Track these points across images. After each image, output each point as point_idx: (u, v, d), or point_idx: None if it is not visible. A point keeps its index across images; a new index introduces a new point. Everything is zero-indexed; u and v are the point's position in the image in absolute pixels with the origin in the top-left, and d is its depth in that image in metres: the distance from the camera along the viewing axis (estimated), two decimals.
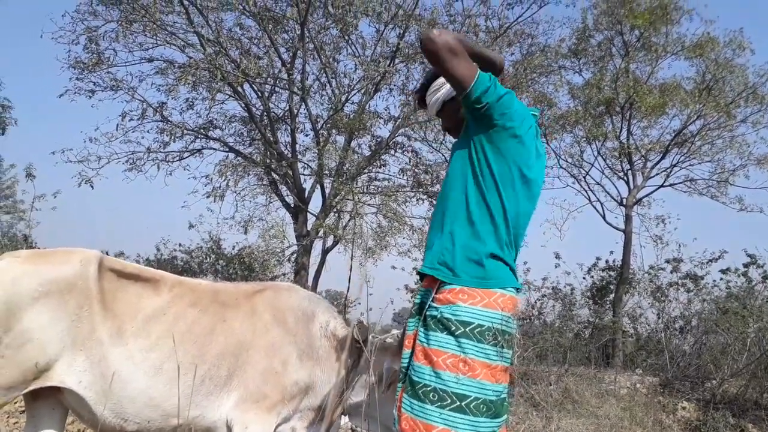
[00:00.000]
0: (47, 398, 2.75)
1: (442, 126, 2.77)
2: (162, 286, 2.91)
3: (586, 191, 16.17)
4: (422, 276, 2.51)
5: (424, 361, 2.24)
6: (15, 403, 5.43)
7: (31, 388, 2.58)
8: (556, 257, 15.38)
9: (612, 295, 15.37)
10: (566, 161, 16.17)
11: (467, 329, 2.20)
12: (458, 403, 2.13)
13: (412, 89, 12.22)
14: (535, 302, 14.49)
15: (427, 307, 2.34)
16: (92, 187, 12.03)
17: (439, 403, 2.15)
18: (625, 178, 15.74)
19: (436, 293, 2.33)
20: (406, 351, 2.39)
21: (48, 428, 2.78)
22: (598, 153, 15.83)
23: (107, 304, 2.71)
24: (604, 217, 15.87)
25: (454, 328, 2.20)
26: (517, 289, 2.48)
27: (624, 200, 15.53)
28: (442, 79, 2.52)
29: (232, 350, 2.82)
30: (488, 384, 2.19)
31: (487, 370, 2.19)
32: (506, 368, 2.32)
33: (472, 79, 2.23)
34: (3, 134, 17.78)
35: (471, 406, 2.14)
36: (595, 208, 16.09)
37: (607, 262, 16.09)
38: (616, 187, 16.15)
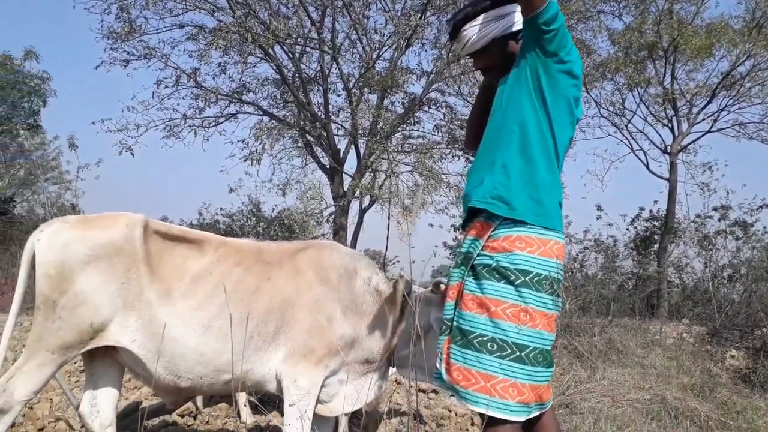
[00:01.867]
0: (104, 357, 2.87)
1: (479, 65, 2.61)
2: (207, 247, 2.96)
3: (628, 140, 15.75)
4: (466, 225, 2.44)
5: (478, 311, 2.19)
6: (74, 363, 5.70)
7: (88, 347, 2.69)
8: (597, 209, 15.10)
9: (656, 246, 15.06)
10: (607, 110, 15.71)
11: (527, 278, 2.14)
12: (518, 353, 2.11)
13: (445, 42, 11.91)
14: (577, 255, 14.32)
15: (476, 255, 2.26)
16: (133, 155, 12.29)
17: (498, 353, 2.12)
18: (670, 125, 15.22)
19: (487, 241, 2.25)
20: (449, 302, 2.34)
21: (106, 386, 2.91)
22: (641, 100, 15.31)
23: (154, 266, 2.77)
24: (647, 166, 15.45)
25: (513, 277, 2.15)
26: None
27: (668, 148, 15.04)
28: (486, 16, 2.43)
29: (278, 307, 2.87)
30: (545, 333, 2.17)
31: (545, 320, 2.16)
32: (556, 317, 2.28)
33: (546, 1, 2.14)
34: (44, 106, 18.21)
35: (530, 356, 2.12)
36: (637, 157, 15.68)
37: (651, 212, 15.73)
38: (659, 134, 15.66)
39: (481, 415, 2.11)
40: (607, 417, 4.20)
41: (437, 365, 2.32)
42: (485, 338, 2.14)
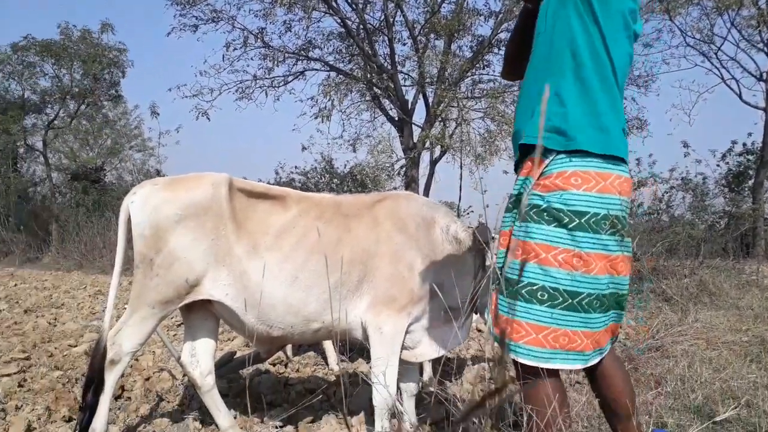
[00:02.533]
0: (200, 311, 3.06)
1: None
2: (289, 202, 3.06)
3: (718, 69, 14.58)
4: (518, 167, 2.24)
5: (526, 258, 2.00)
6: (172, 318, 6.08)
7: (185, 301, 2.85)
8: (684, 146, 14.23)
9: (751, 181, 14.06)
10: (693, 38, 14.54)
11: (582, 220, 1.94)
12: (570, 300, 1.95)
13: None
14: (663, 195, 13.63)
15: (527, 195, 2.04)
16: (209, 119, 12.69)
17: (549, 303, 1.96)
18: (766, 48, 13.91)
19: (539, 178, 2.02)
20: (500, 250, 2.16)
21: (203, 337, 3.11)
22: (732, 24, 14.04)
23: (240, 223, 2.89)
24: (740, 96, 14.29)
25: (567, 219, 1.94)
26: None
27: (764, 75, 13.81)
28: None
29: (359, 258, 2.93)
30: (603, 278, 1.98)
31: (605, 262, 1.97)
32: (629, 258, 2.06)
33: None
34: (123, 77, 19.00)
35: (584, 303, 1.95)
36: (729, 86, 14.52)
37: (744, 145, 14.66)
38: (754, 60, 14.37)
39: (518, 366, 2.02)
40: (702, 360, 4.03)
41: (485, 317, 2.20)
42: (535, 287, 1.98)
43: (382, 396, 2.89)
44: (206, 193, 2.86)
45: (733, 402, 3.22)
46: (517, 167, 2.27)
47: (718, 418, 2.79)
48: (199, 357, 3.07)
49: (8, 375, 4.29)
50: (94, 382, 2.79)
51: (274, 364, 4.74)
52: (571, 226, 1.95)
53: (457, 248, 3.12)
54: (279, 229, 2.93)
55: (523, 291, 2.00)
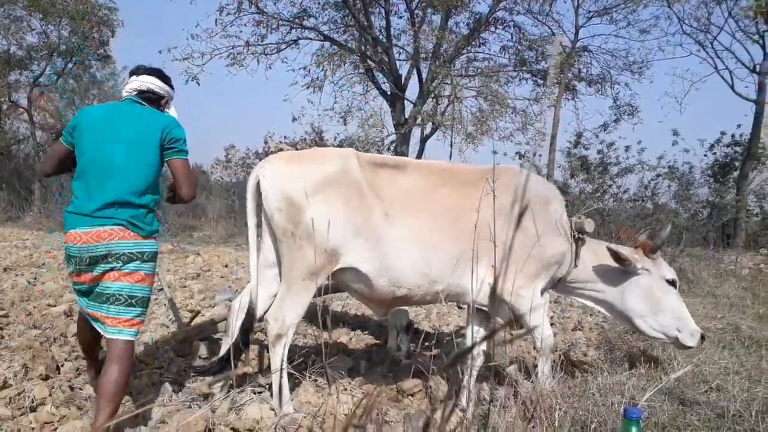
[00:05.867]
0: None
1: None
2: (409, 170, 3.18)
3: (712, 59, 14.57)
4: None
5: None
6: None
7: (330, 271, 2.97)
8: (674, 134, 14.29)
9: (736, 173, 14.19)
10: (690, 26, 14.49)
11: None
12: None
13: None
14: (649, 182, 13.72)
15: None
16: (198, 83, 12.48)
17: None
18: (761, 41, 13.92)
19: None
20: None
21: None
22: (729, 14, 14.00)
23: (372, 192, 3.01)
24: (732, 87, 14.33)
25: None
26: None
27: (758, 67, 13.84)
28: None
29: (483, 227, 2.95)
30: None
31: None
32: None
33: None
34: (113, 36, 18.58)
35: None
36: (722, 76, 14.53)
37: (733, 136, 14.73)
38: (748, 52, 14.44)
39: None
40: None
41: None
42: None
43: (542, 341, 3.24)
44: (336, 167, 2.98)
45: (704, 386, 3.29)
46: None
47: (673, 376, 2.93)
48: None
49: None
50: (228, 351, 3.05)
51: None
52: None
53: (563, 234, 3.39)
54: (407, 195, 3.08)
55: None
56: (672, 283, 3.54)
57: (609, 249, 3.44)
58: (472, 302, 3.04)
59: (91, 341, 3.07)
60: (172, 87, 3.08)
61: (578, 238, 3.44)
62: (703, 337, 3.49)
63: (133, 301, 2.66)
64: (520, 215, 0.87)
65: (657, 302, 3.48)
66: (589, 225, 3.39)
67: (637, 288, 3.50)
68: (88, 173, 2.68)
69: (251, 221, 3.07)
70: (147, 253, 2.70)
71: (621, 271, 3.50)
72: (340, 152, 3.08)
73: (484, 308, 3.27)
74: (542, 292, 3.33)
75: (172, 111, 3.08)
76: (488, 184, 3.06)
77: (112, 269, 2.63)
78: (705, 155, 14.86)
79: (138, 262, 2.67)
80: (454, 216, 3.04)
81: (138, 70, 2.97)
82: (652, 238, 3.65)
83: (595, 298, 3.66)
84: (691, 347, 3.48)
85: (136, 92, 2.90)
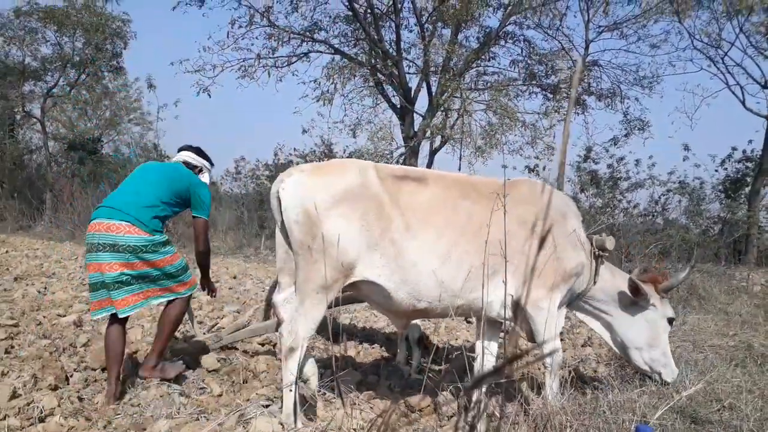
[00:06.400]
0: None
1: None
2: (429, 182, 3.15)
3: (723, 74, 14.53)
4: None
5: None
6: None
7: (345, 284, 2.95)
8: (685, 149, 14.24)
9: (748, 188, 14.09)
10: (701, 41, 14.47)
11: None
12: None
13: None
14: (659, 197, 13.64)
15: None
16: (209, 95, 12.60)
17: None
18: None
19: None
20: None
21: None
22: (741, 29, 13.97)
23: (391, 205, 2.98)
24: (743, 103, 14.28)
25: None
26: None
27: None
28: None
29: (507, 238, 2.96)
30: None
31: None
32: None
33: None
34: (125, 48, 18.81)
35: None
36: (733, 92, 14.49)
37: (744, 152, 14.66)
38: (759, 67, 14.35)
39: None
40: (688, 362, 4.05)
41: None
42: None
43: (553, 359, 3.21)
44: (356, 180, 2.96)
45: (717, 404, 3.24)
46: None
47: (685, 393, 2.96)
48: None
49: None
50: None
51: (262, 344, 4.75)
52: None
53: (581, 248, 3.37)
54: (428, 208, 3.05)
55: None
56: (670, 322, 3.62)
57: (630, 280, 3.46)
58: (483, 316, 3.01)
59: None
60: (207, 160, 4.09)
61: (599, 255, 3.43)
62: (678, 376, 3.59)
63: None
64: (547, 229, 0.86)
65: (655, 338, 3.55)
66: (610, 243, 3.39)
67: (643, 320, 3.56)
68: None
69: (279, 233, 3.11)
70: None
71: (633, 300, 3.52)
72: (359, 164, 3.07)
73: (499, 321, 3.25)
74: (559, 307, 3.32)
75: (205, 177, 4.04)
76: (508, 197, 3.08)
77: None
78: (716, 170, 14.80)
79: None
80: (475, 228, 3.02)
81: (181, 148, 4.09)
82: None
83: (602, 319, 3.67)
84: (668, 384, 3.51)
85: (181, 161, 4.00)
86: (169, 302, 3.68)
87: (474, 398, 3.13)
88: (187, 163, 4.00)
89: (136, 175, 3.85)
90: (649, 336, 3.54)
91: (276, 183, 3.04)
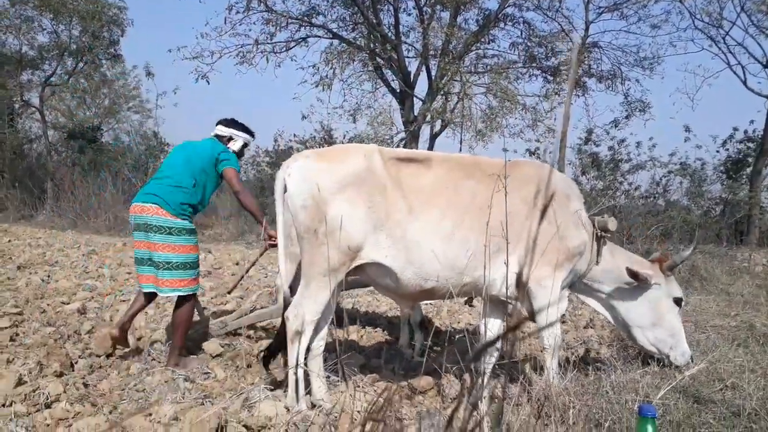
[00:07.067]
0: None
1: None
2: (434, 164, 3.18)
3: (725, 54, 14.41)
4: None
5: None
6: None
7: (351, 267, 2.98)
8: (686, 130, 14.18)
9: (750, 169, 14.05)
10: (702, 21, 14.33)
11: None
12: None
13: None
14: (660, 179, 13.61)
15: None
16: (208, 82, 12.54)
17: None
18: None
19: None
20: None
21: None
22: (742, 8, 13.83)
23: (395, 188, 3.01)
24: (745, 83, 14.18)
25: None
26: None
27: None
28: None
29: (508, 218, 2.96)
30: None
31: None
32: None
33: None
34: (123, 35, 18.67)
35: None
36: (734, 72, 14.38)
37: (746, 132, 14.60)
38: (761, 47, 14.34)
39: None
40: (690, 342, 4.06)
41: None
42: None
43: (551, 338, 3.22)
44: (361, 164, 2.99)
45: (719, 383, 3.25)
46: None
47: (687, 373, 2.96)
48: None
49: (1, 329, 4.30)
50: (277, 351, 3.16)
51: (266, 330, 4.77)
52: None
53: (583, 227, 3.39)
54: (432, 189, 3.08)
55: None
56: (678, 302, 3.60)
57: (628, 270, 3.46)
58: (485, 295, 3.02)
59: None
60: (239, 128, 4.26)
61: (601, 236, 3.45)
62: (691, 359, 3.56)
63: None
64: (545, 207, 0.86)
65: (659, 317, 3.54)
66: (612, 224, 3.41)
67: (645, 300, 3.55)
68: None
69: (280, 220, 3.10)
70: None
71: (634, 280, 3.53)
72: (364, 148, 3.10)
73: (504, 301, 3.26)
74: (562, 288, 3.33)
75: (234, 145, 4.23)
76: (512, 177, 3.13)
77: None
78: (717, 151, 14.76)
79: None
80: (479, 208, 3.03)
81: (217, 122, 4.29)
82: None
83: (603, 300, 3.68)
84: (679, 366, 3.51)
85: (214, 134, 4.26)
86: (178, 302, 3.87)
87: (473, 376, 3.17)
88: (218, 137, 4.22)
89: (168, 157, 4.14)
90: (652, 316, 3.54)
91: (281, 169, 3.06)
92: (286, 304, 3.09)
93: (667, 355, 3.54)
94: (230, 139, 4.23)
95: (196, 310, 4.21)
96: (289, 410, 2.92)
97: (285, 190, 3.01)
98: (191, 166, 3.95)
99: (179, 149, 4.13)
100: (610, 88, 14.24)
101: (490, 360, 3.26)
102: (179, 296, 3.85)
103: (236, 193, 4.10)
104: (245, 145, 4.31)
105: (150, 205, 3.78)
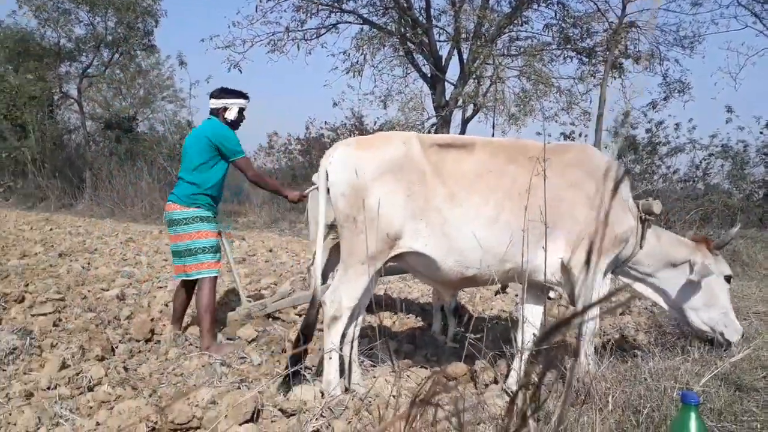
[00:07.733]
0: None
1: None
2: (475, 149, 3.13)
3: None
4: None
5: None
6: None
7: (390, 255, 2.98)
8: (728, 111, 13.70)
9: None
10: None
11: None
12: None
13: None
14: (701, 162, 13.22)
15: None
16: (240, 71, 12.63)
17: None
18: None
19: None
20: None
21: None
22: None
23: (435, 175, 2.99)
24: None
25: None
26: None
27: None
28: None
29: (552, 202, 2.95)
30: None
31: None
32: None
33: None
34: (156, 26, 18.92)
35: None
36: None
37: None
38: None
39: None
40: None
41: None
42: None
43: (589, 327, 3.16)
44: (400, 151, 2.98)
45: (761, 371, 3.16)
46: None
47: (729, 361, 2.90)
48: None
49: (44, 314, 4.44)
50: (303, 336, 3.08)
51: (299, 315, 4.82)
52: None
53: (630, 212, 3.34)
54: (473, 174, 3.04)
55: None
56: (728, 279, 3.51)
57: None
58: (524, 280, 2.97)
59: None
60: (231, 95, 4.17)
61: (645, 219, 3.37)
62: (743, 335, 3.49)
63: None
64: (616, 186, 0.82)
65: (712, 297, 3.46)
66: (657, 206, 3.33)
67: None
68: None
69: (322, 208, 3.05)
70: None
71: (683, 261, 3.45)
72: (403, 135, 3.07)
73: (543, 286, 3.21)
74: (605, 273, 3.28)
75: (229, 114, 4.17)
76: (559, 160, 3.11)
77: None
78: (761, 133, 14.20)
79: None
80: (524, 193, 2.95)
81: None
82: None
83: (652, 284, 3.59)
84: (731, 343, 3.43)
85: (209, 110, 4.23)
86: (199, 286, 4.05)
87: (517, 365, 3.12)
88: (214, 111, 4.19)
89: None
90: (704, 296, 3.46)
91: (324, 158, 3.06)
92: (318, 292, 3.10)
93: (721, 333, 3.46)
94: (225, 109, 4.17)
95: (238, 293, 4.38)
96: (324, 395, 2.94)
97: (327, 179, 3.01)
98: (190, 156, 4.07)
99: (186, 141, 4.22)
100: (648, 69, 13.83)
101: (527, 346, 3.23)
102: (199, 280, 4.02)
103: (251, 181, 4.20)
104: (242, 110, 4.22)
105: (170, 203, 4.08)
